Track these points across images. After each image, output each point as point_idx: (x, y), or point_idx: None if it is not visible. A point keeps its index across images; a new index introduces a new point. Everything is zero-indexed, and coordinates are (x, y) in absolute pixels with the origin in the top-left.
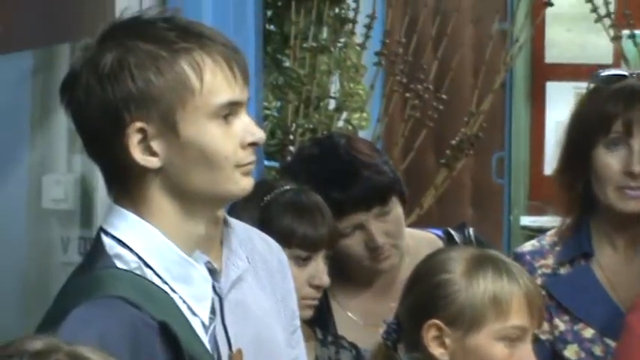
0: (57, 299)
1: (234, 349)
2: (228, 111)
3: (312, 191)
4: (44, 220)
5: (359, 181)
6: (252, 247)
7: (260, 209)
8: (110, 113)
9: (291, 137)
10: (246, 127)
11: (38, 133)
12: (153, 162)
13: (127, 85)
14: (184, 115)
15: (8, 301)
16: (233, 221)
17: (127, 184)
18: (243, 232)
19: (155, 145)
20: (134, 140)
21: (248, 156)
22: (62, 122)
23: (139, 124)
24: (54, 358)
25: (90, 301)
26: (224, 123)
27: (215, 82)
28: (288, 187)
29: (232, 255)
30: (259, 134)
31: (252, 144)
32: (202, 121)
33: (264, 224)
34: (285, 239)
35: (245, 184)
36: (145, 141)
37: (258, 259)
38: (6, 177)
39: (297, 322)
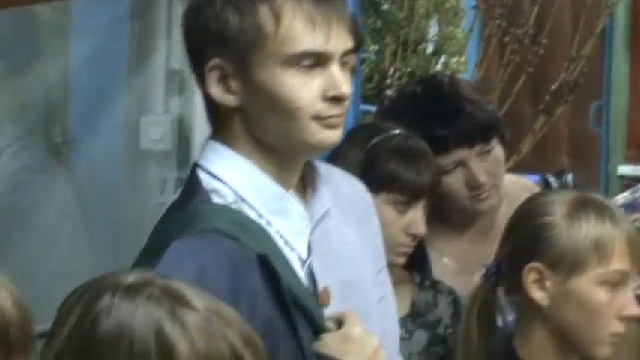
0: (153, 235)
1: (320, 286)
2: (310, 61)
3: (419, 139)
4: (141, 162)
5: (463, 117)
6: (336, 186)
7: (366, 151)
8: (195, 47)
9: (389, 81)
10: (331, 80)
11: (136, 75)
12: (230, 100)
13: (208, 21)
14: (258, 59)
15: (106, 242)
16: (315, 161)
17: (219, 120)
18: (326, 171)
19: (233, 83)
20: (213, 77)
21: (329, 109)
22: (160, 64)
23: (216, 61)
24: (147, 291)
25: (188, 235)
26: (303, 73)
27: (292, 30)
28: (397, 132)
29: (316, 193)
30: (343, 89)
31: (336, 98)
32: (275, 68)
33: (368, 166)
34: (387, 183)
35: (325, 136)
36: (224, 79)
37: (343, 198)
38: (104, 119)
39: (384, 262)
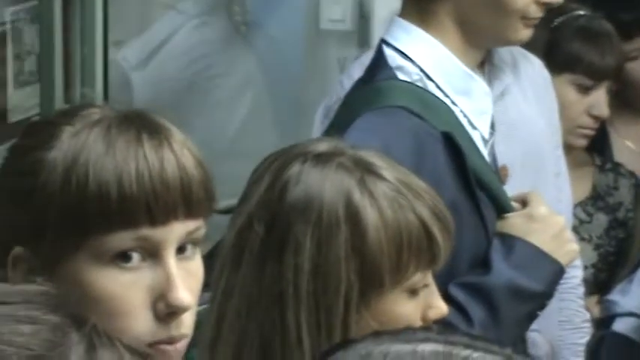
0: (338, 111)
1: (499, 164)
2: None
3: (604, 19)
4: (321, 41)
5: None
6: (513, 63)
7: (550, 30)
8: None
9: None
10: None
11: None
12: None
13: None
14: None
15: (285, 120)
16: None
17: (421, 1)
18: (504, 49)
19: None
20: None
21: (537, 12)
22: None
23: None
24: (337, 160)
25: (372, 111)
26: None
27: None
28: (581, 13)
29: (495, 70)
30: None
31: (546, 3)
32: None
33: (552, 46)
34: (571, 64)
35: (523, 35)
36: None
37: (522, 74)
38: None
39: (559, 139)
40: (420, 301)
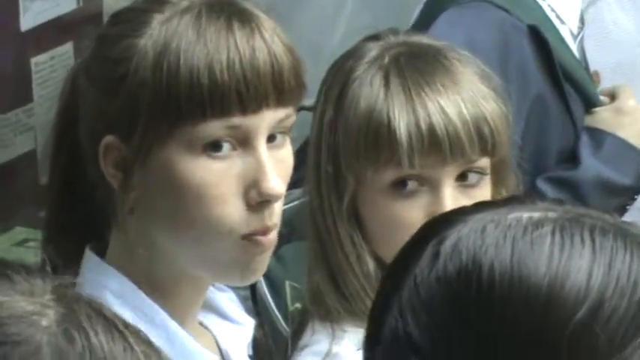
0: (424, 7)
1: (590, 70)
2: None
3: None
4: None
5: None
6: None
7: None
8: None
9: None
10: None
11: None
12: None
13: None
14: None
15: (386, 17)
16: None
17: None
18: None
19: None
20: None
21: None
22: None
23: None
24: (388, 39)
25: (458, 6)
26: None
27: None
28: None
29: None
30: None
31: None
32: None
33: None
34: None
35: None
36: None
37: None
38: None
39: None
40: (421, 206)
